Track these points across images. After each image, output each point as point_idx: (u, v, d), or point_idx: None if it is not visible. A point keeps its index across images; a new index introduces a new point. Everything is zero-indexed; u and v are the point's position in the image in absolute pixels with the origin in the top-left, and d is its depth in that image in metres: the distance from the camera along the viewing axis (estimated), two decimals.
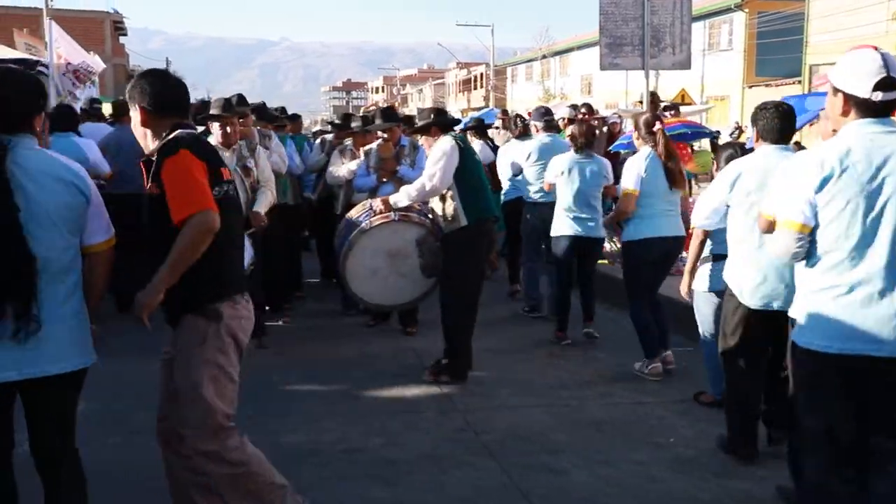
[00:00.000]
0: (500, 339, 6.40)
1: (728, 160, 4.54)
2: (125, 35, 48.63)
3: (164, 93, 2.98)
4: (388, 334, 6.62)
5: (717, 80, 36.04)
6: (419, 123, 5.66)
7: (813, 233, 2.73)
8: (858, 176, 2.65)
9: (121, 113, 7.49)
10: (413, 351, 6.07)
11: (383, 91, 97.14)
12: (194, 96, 9.96)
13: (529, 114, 8.40)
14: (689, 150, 9.12)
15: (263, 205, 5.80)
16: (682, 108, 28.96)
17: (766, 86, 32.42)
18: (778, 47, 32.57)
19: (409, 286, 5.72)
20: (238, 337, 3.01)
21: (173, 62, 67.93)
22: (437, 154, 5.26)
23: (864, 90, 2.69)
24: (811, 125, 18.72)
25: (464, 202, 5.25)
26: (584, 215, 6.22)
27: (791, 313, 2.94)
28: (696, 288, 4.78)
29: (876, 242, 2.65)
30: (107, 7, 46.93)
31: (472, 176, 5.33)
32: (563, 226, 6.28)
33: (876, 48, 2.75)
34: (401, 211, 5.58)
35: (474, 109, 39.08)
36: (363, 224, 5.61)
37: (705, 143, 13.29)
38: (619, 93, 33.34)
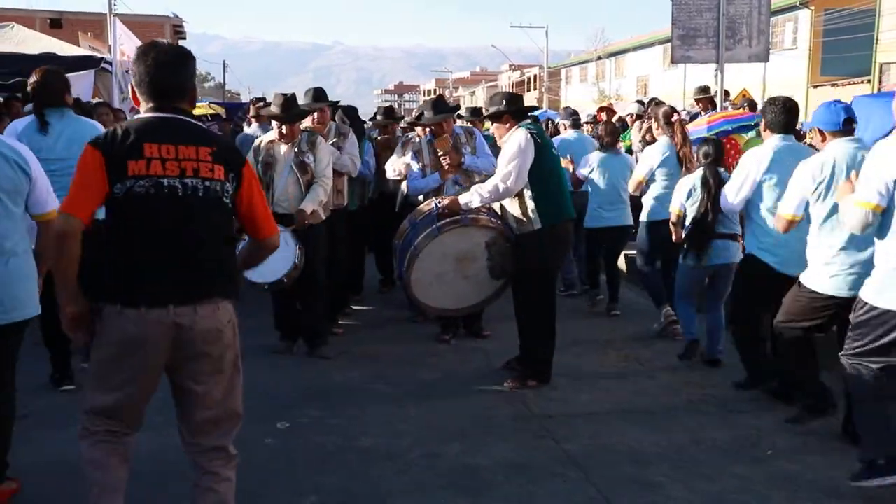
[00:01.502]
0: (568, 337, 6.11)
1: (705, 156, 5.37)
2: (184, 39, 49.56)
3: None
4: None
5: (780, 80, 34.99)
6: (491, 110, 5.32)
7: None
8: None
9: None
10: (482, 351, 5.82)
11: (435, 94, 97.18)
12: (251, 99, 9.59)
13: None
14: (739, 144, 8.68)
15: (311, 202, 5.50)
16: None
17: (833, 85, 31.39)
18: (845, 45, 31.52)
19: (474, 289, 5.37)
20: (121, 349, 2.63)
21: (230, 66, 69.06)
22: (512, 150, 4.90)
23: None
24: None
25: (538, 204, 4.91)
26: (609, 208, 6.87)
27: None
28: None
29: None
30: (167, 12, 47.95)
31: (549, 174, 4.97)
32: (591, 218, 6.96)
33: None
34: (471, 213, 5.19)
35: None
36: (431, 228, 5.20)
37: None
38: (676, 93, 32.67)
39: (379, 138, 7.77)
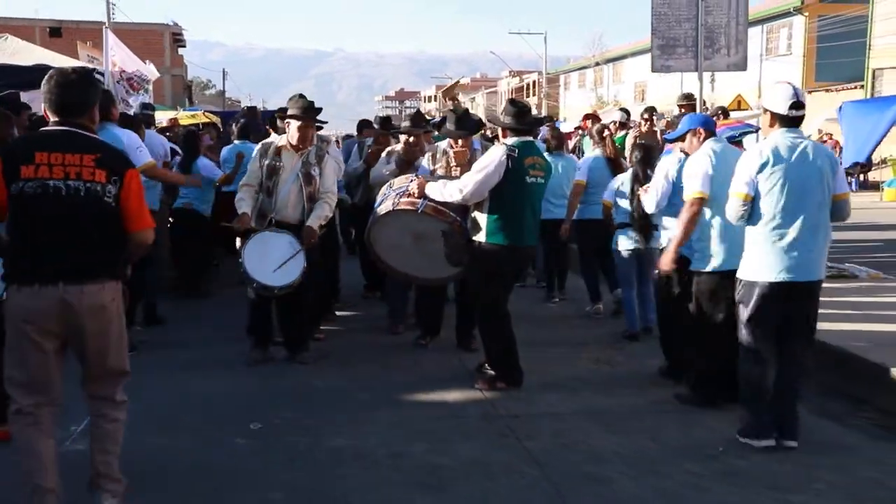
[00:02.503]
0: (542, 339, 6.31)
1: (635, 158, 6.40)
2: (184, 47, 49.80)
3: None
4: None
5: None
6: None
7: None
8: (786, 162, 4.11)
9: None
10: (458, 357, 5.98)
11: (436, 100, 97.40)
12: (254, 105, 9.86)
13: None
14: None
15: (317, 218, 5.62)
16: (737, 114, 28.52)
17: (827, 91, 31.56)
18: (839, 51, 31.72)
19: (432, 266, 5.73)
20: (21, 322, 3.18)
21: (231, 73, 69.32)
22: (482, 164, 5.08)
23: (783, 109, 4.15)
24: None
25: (489, 220, 5.10)
26: (554, 202, 7.52)
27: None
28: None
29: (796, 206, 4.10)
30: (166, 20, 48.21)
31: (510, 199, 5.05)
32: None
33: (790, 83, 4.24)
34: (431, 202, 5.41)
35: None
36: (392, 202, 5.56)
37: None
38: (672, 99, 32.90)
39: (374, 148, 7.94)
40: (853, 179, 24.46)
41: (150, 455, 4.09)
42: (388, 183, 5.98)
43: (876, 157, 24.91)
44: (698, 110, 9.61)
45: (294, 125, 5.63)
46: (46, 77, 3.28)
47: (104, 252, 3.28)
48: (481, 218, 5.16)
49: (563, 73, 60.20)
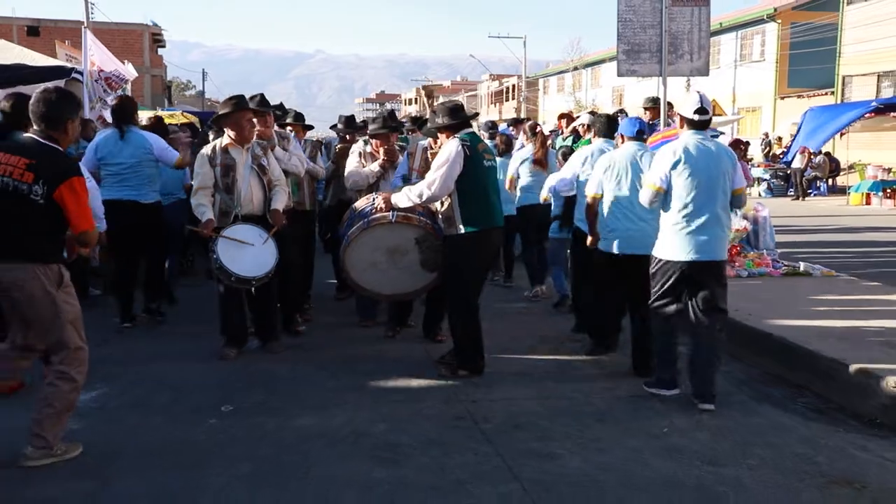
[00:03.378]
0: (507, 332, 6.57)
1: (564, 157, 7.65)
2: (163, 47, 49.67)
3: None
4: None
5: (748, 92, 35.81)
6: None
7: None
8: (692, 161, 4.80)
9: None
10: (424, 348, 6.21)
11: (416, 102, 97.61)
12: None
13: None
14: None
15: (280, 202, 5.90)
16: (713, 119, 28.89)
17: (799, 97, 32.17)
18: (810, 58, 32.30)
19: (409, 278, 5.83)
20: None
21: (211, 74, 69.11)
22: (441, 159, 5.30)
23: (691, 112, 4.89)
24: (842, 135, 18.53)
25: (462, 210, 5.31)
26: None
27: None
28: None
29: (703, 198, 4.80)
30: (146, 20, 48.06)
31: (475, 184, 5.32)
32: None
33: (699, 92, 4.97)
34: (401, 211, 5.65)
35: (506, 121, 39.15)
36: (362, 221, 5.75)
37: None
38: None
39: (339, 147, 8.18)
40: (822, 184, 25.01)
41: (127, 432, 4.36)
42: (350, 208, 6.20)
43: (844, 163, 25.53)
44: (662, 113, 9.96)
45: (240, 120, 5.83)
46: (35, 93, 3.99)
47: (28, 239, 3.81)
48: (454, 211, 5.34)
49: (543, 77, 60.67)
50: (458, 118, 5.50)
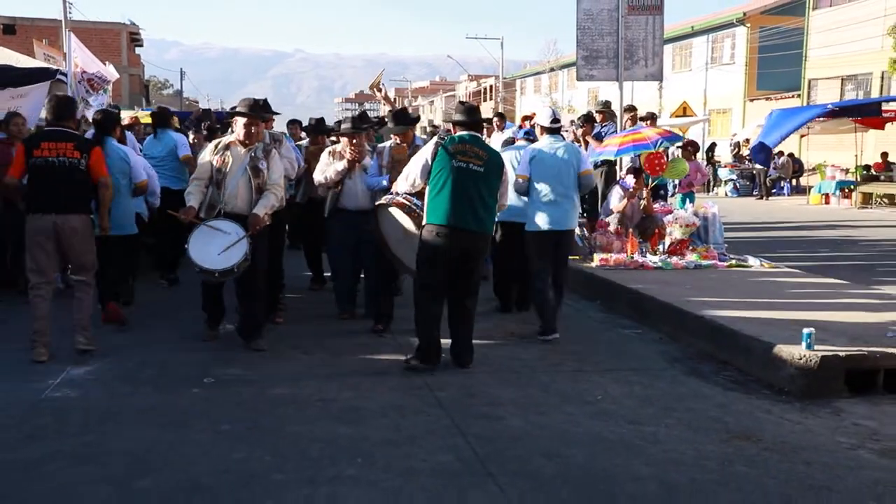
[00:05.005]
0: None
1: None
2: (141, 46, 49.72)
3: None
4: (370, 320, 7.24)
5: (719, 94, 36.67)
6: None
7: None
8: (547, 156, 6.61)
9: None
10: (390, 332, 6.72)
11: (395, 102, 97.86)
12: (209, 107, 10.95)
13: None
14: (665, 160, 9.83)
15: (263, 206, 6.00)
16: (682, 120, 29.76)
17: (767, 99, 33.01)
18: (778, 61, 33.20)
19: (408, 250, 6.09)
20: (32, 234, 5.77)
21: (188, 73, 69.15)
22: (416, 155, 5.87)
23: (547, 122, 6.77)
24: (802, 136, 19.25)
25: (428, 205, 5.69)
26: None
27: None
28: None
29: (554, 183, 6.57)
30: (123, 19, 48.11)
31: (439, 182, 5.59)
32: None
33: (551, 107, 7.31)
34: (398, 197, 6.10)
35: (485, 121, 39.65)
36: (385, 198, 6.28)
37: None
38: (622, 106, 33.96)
39: (310, 147, 8.72)
40: (786, 185, 25.86)
41: (120, 398, 4.90)
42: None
43: (808, 164, 26.39)
44: (618, 116, 10.60)
45: (240, 122, 6.07)
46: (49, 98, 6.45)
47: (80, 196, 5.85)
48: (425, 204, 5.75)
49: (520, 78, 61.40)
50: (464, 118, 5.95)
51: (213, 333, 6.41)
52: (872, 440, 4.36)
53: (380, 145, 7.16)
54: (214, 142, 6.34)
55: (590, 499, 3.60)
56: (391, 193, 6.27)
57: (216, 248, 5.80)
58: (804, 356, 5.17)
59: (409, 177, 5.84)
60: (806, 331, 5.29)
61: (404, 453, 4.07)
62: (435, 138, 5.90)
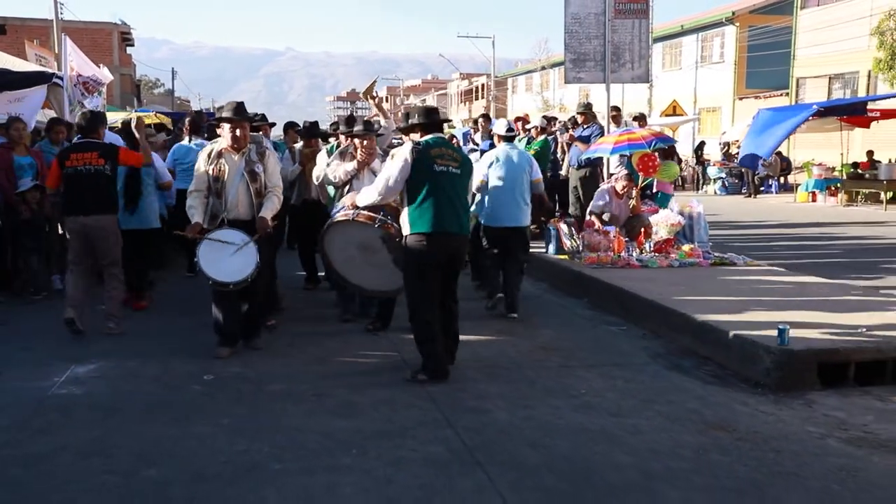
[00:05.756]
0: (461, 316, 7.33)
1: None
2: (132, 45, 49.70)
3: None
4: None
5: (709, 92, 36.97)
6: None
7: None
8: (503, 161, 7.59)
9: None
10: (387, 334, 6.88)
11: (387, 101, 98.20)
12: (200, 106, 11.29)
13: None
14: (658, 161, 10.06)
15: (268, 210, 6.02)
16: (672, 119, 30.01)
17: (756, 97, 33.30)
18: (767, 60, 33.50)
19: (388, 275, 6.12)
20: (69, 231, 6.93)
21: (180, 71, 69.10)
22: (391, 163, 5.57)
23: (502, 132, 7.91)
24: (790, 134, 19.42)
25: (409, 213, 5.49)
26: None
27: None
28: None
29: (510, 185, 7.59)
30: (114, 18, 48.07)
31: (419, 188, 5.43)
32: None
33: (506, 119, 8.99)
34: (364, 210, 5.97)
35: (475, 120, 39.82)
36: (331, 218, 6.33)
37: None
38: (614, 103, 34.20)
39: (305, 150, 8.90)
40: (774, 183, 26.15)
41: (123, 394, 5.12)
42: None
43: (795, 163, 26.70)
44: (606, 116, 10.82)
45: (226, 127, 6.03)
46: (80, 114, 7.69)
47: (106, 199, 6.75)
48: (404, 214, 5.55)
49: (511, 77, 61.60)
50: (427, 120, 5.73)
51: (225, 352, 6.06)
52: (840, 429, 4.60)
53: (394, 150, 7.16)
54: (205, 150, 6.28)
55: (573, 485, 3.81)
56: (349, 208, 6.10)
57: (226, 259, 5.82)
58: (779, 351, 5.41)
59: (389, 183, 5.52)
60: (781, 326, 5.53)
61: (396, 444, 4.28)
62: (409, 144, 5.62)
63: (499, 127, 8.10)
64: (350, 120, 7.97)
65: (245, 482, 3.80)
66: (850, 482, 3.86)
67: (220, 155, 6.05)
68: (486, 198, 7.62)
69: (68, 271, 6.87)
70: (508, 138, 7.90)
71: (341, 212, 6.30)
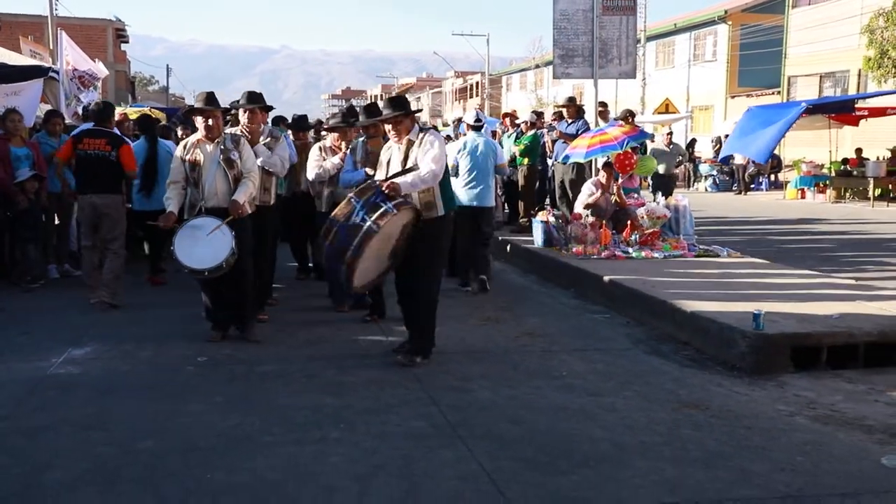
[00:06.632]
0: (446, 304, 7.50)
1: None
2: (127, 42, 49.74)
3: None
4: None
5: (701, 91, 37.19)
6: (395, 113, 5.64)
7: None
8: (469, 149, 8.46)
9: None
10: (375, 320, 7.10)
11: (381, 99, 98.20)
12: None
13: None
14: (634, 159, 10.26)
15: (242, 194, 6.08)
16: (665, 117, 30.19)
17: (748, 96, 33.55)
18: (759, 59, 33.73)
19: (375, 267, 5.71)
20: (80, 210, 7.94)
21: (175, 69, 69.13)
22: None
23: (471, 122, 8.80)
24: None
25: (441, 193, 5.60)
26: None
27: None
28: None
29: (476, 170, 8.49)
30: (109, 15, 48.17)
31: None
32: None
33: (476, 109, 10.16)
34: (400, 199, 5.33)
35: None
36: (385, 207, 5.21)
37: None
38: (608, 102, 34.39)
39: (295, 143, 9.04)
40: (764, 180, 26.39)
41: (119, 375, 5.31)
42: (332, 218, 5.35)
43: (785, 160, 26.94)
44: (593, 112, 11.01)
45: (199, 119, 6.22)
46: (94, 104, 8.51)
47: (111, 180, 7.60)
48: (435, 195, 5.54)
49: (505, 75, 61.79)
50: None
51: (217, 335, 6.26)
52: (809, 408, 4.80)
53: (353, 141, 7.20)
54: (182, 142, 6.44)
55: (549, 455, 4.00)
56: (399, 197, 5.33)
57: (201, 246, 5.86)
58: (754, 335, 5.60)
59: (439, 171, 5.47)
60: (756, 311, 5.73)
61: (382, 420, 4.47)
62: (434, 132, 5.76)
63: (468, 117, 9.12)
64: (351, 111, 8.06)
65: (237, 452, 3.98)
66: (813, 454, 4.06)
67: (195, 145, 6.22)
68: (457, 181, 8.19)
69: (82, 256, 7.82)
70: (476, 128, 8.71)
71: (375, 215, 5.21)
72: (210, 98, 6.26)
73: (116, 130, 8.74)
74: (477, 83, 62.24)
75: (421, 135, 5.62)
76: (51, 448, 4.03)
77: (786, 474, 3.78)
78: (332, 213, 5.43)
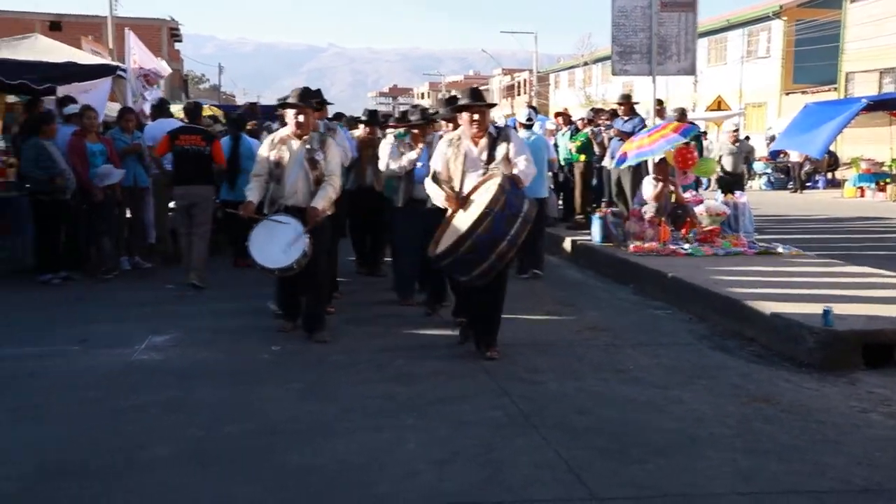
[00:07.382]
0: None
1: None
2: (180, 41, 50.75)
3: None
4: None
5: (755, 87, 36.64)
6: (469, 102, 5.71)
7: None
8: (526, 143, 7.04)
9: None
10: (439, 312, 7.16)
11: (429, 97, 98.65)
12: (245, 100, 12.05)
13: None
14: (695, 154, 10.18)
15: (321, 200, 5.98)
16: (717, 114, 29.78)
17: (803, 93, 32.93)
18: (815, 55, 33.12)
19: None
20: (177, 199, 8.78)
21: (225, 67, 70.27)
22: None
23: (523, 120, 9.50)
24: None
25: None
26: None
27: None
28: None
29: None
30: (164, 15, 49.20)
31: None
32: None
33: (527, 107, 10.58)
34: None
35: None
36: (524, 212, 5.33)
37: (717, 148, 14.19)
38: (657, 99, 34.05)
39: (364, 137, 9.15)
40: (821, 178, 25.90)
41: (198, 362, 5.52)
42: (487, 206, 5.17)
43: (843, 158, 26.41)
44: (651, 109, 10.97)
45: (290, 113, 6.08)
46: (187, 102, 8.09)
47: (206, 172, 8.47)
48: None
49: (553, 73, 61.52)
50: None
51: (288, 325, 6.35)
52: (883, 405, 4.76)
53: (430, 135, 7.26)
54: (270, 137, 6.41)
55: (621, 445, 4.06)
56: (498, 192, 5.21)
57: (276, 245, 5.87)
58: (823, 331, 5.57)
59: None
60: (825, 308, 5.69)
61: (456, 409, 4.57)
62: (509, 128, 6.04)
63: (520, 115, 9.76)
64: (425, 110, 7.89)
65: (317, 437, 4.12)
66: (891, 450, 4.04)
67: (282, 141, 6.13)
68: None
69: (182, 239, 8.67)
70: (527, 126, 9.40)
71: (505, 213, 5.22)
72: (304, 94, 6.18)
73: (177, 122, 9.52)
74: (524, 81, 62.10)
75: (496, 130, 5.73)
76: (142, 427, 4.23)
77: (863, 468, 3.79)
78: (487, 203, 5.17)
